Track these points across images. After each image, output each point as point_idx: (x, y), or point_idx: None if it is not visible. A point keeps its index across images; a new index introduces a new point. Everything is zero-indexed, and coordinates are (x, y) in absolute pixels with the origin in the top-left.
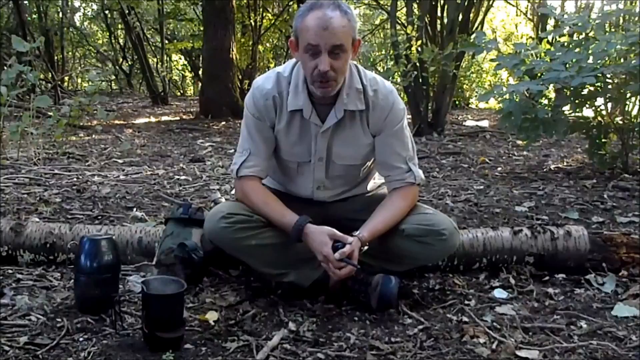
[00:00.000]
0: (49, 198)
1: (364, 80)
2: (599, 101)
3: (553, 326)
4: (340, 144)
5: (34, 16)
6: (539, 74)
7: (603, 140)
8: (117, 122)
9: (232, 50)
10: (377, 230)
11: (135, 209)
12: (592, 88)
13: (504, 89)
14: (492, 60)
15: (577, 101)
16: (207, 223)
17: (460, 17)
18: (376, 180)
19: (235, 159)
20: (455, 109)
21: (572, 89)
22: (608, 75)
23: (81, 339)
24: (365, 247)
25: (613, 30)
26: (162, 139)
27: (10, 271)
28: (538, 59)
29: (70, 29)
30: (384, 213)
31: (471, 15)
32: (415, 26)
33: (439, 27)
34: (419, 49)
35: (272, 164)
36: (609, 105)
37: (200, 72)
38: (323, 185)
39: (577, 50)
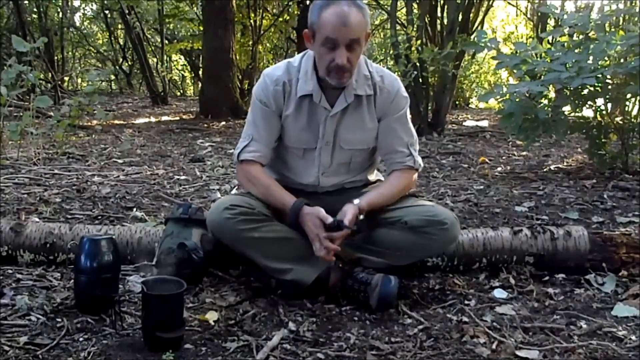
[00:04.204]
0: (49, 198)
1: (370, 68)
2: (599, 101)
3: (553, 326)
4: (348, 128)
5: (34, 16)
6: (539, 75)
7: (603, 140)
8: (117, 122)
9: (232, 50)
10: (374, 202)
11: (135, 209)
12: (592, 88)
13: (504, 89)
14: (493, 57)
15: (577, 101)
16: (211, 215)
17: (460, 17)
18: (377, 176)
19: (238, 144)
20: (455, 109)
21: (572, 89)
22: (608, 76)
23: (81, 339)
24: (362, 217)
25: (613, 30)
26: (162, 139)
27: (10, 271)
28: (538, 59)
29: (70, 29)
30: (382, 188)
31: (471, 15)
32: (415, 26)
33: (439, 27)
34: (419, 49)
35: (273, 152)
36: (609, 105)
37: (200, 72)
38: (328, 170)
39: (577, 50)
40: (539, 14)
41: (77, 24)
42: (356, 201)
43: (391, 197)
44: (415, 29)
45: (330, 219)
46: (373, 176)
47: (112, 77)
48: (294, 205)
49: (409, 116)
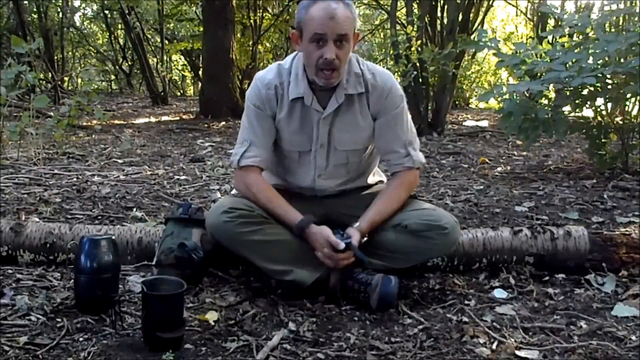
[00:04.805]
0: (49, 198)
1: (362, 66)
2: (599, 101)
3: (553, 326)
4: (341, 129)
5: (34, 16)
6: (539, 74)
7: (603, 140)
8: (117, 122)
9: (232, 50)
10: (375, 221)
11: (135, 209)
12: (592, 88)
13: (504, 89)
14: (494, 54)
15: (577, 101)
16: (209, 218)
17: (460, 17)
18: (377, 177)
19: (235, 150)
20: (455, 109)
21: (572, 89)
22: (608, 76)
23: (81, 339)
24: (365, 239)
25: (613, 30)
26: (162, 139)
27: (10, 271)
28: (538, 59)
29: (70, 29)
30: (381, 203)
31: (471, 15)
32: (415, 26)
33: (439, 27)
34: (419, 49)
35: (271, 155)
36: (609, 105)
37: (200, 72)
38: (324, 173)
39: (577, 50)
40: (539, 14)
41: (77, 24)
42: (357, 224)
43: (392, 211)
44: (415, 29)
45: (342, 245)
46: (373, 178)
47: (112, 77)
48: (300, 223)
49: (406, 114)
